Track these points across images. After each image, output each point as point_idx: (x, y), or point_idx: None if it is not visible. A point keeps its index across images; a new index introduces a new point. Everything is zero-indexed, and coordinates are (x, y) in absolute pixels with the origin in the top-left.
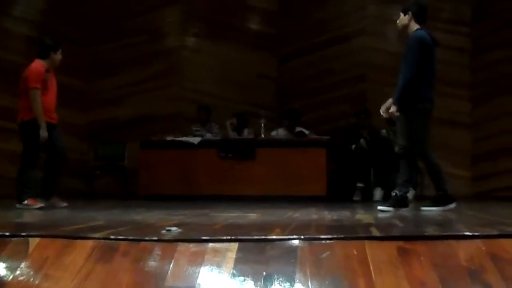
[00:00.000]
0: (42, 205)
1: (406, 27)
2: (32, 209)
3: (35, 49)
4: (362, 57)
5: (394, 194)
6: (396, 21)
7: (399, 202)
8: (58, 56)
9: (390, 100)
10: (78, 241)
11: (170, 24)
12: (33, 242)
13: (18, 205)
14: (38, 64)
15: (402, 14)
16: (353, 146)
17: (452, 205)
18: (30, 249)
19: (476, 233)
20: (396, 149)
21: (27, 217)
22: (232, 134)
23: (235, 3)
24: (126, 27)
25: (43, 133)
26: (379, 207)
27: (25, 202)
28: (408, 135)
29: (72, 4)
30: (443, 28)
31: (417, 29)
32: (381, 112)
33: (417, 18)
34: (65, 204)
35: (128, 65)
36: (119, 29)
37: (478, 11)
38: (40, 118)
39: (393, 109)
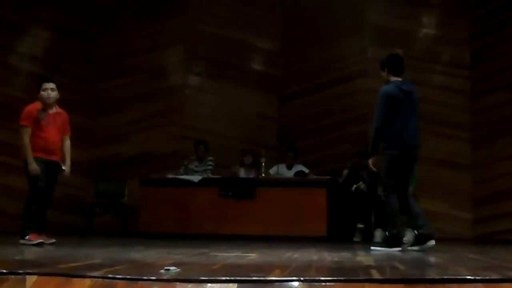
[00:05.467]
0: (40, 241)
1: (388, 81)
2: (31, 245)
3: (37, 85)
4: (363, 98)
5: (386, 235)
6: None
7: (391, 242)
8: (41, 95)
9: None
10: (76, 279)
11: (173, 63)
12: (30, 280)
13: (21, 241)
14: (32, 104)
15: (380, 70)
16: (353, 187)
17: (398, 249)
18: (27, 287)
19: (477, 277)
20: (379, 191)
21: (25, 254)
22: (246, 171)
23: (238, 43)
24: (129, 65)
25: (31, 166)
26: (372, 247)
27: (27, 237)
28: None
29: (76, 42)
30: (443, 70)
31: (395, 80)
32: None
33: (393, 71)
34: (53, 241)
35: (131, 102)
36: (123, 67)
37: (477, 54)
38: (25, 153)
39: (370, 161)
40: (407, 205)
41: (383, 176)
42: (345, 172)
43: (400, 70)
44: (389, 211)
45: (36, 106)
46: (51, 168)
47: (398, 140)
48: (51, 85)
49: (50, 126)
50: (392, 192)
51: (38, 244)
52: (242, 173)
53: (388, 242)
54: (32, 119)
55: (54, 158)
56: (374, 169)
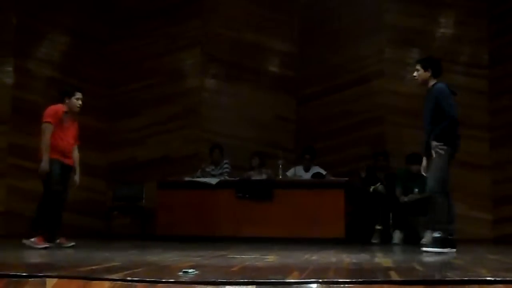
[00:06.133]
0: (47, 245)
1: (426, 81)
2: (36, 248)
3: (56, 90)
4: (380, 99)
5: (437, 235)
6: (413, 72)
7: (444, 243)
8: (73, 102)
9: (425, 160)
10: (95, 282)
11: (190, 66)
12: (50, 282)
13: (24, 240)
14: (57, 105)
15: (422, 69)
16: (371, 188)
17: (453, 250)
18: None
19: (498, 278)
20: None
21: (45, 257)
22: (255, 174)
23: (254, 45)
24: (146, 68)
25: (43, 165)
26: (424, 248)
27: (32, 239)
28: (432, 174)
29: (93, 46)
30: (461, 71)
31: (436, 82)
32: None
33: (436, 73)
34: (72, 244)
35: (148, 106)
36: (140, 71)
37: (495, 54)
38: (44, 151)
39: (435, 144)
40: (449, 206)
41: (441, 173)
42: (362, 174)
43: (440, 73)
44: (442, 209)
45: (62, 108)
46: (66, 171)
47: (454, 138)
48: (81, 95)
49: (68, 130)
50: (447, 190)
51: (44, 249)
52: (252, 176)
53: (440, 243)
54: (57, 118)
55: (68, 162)
56: (439, 150)
